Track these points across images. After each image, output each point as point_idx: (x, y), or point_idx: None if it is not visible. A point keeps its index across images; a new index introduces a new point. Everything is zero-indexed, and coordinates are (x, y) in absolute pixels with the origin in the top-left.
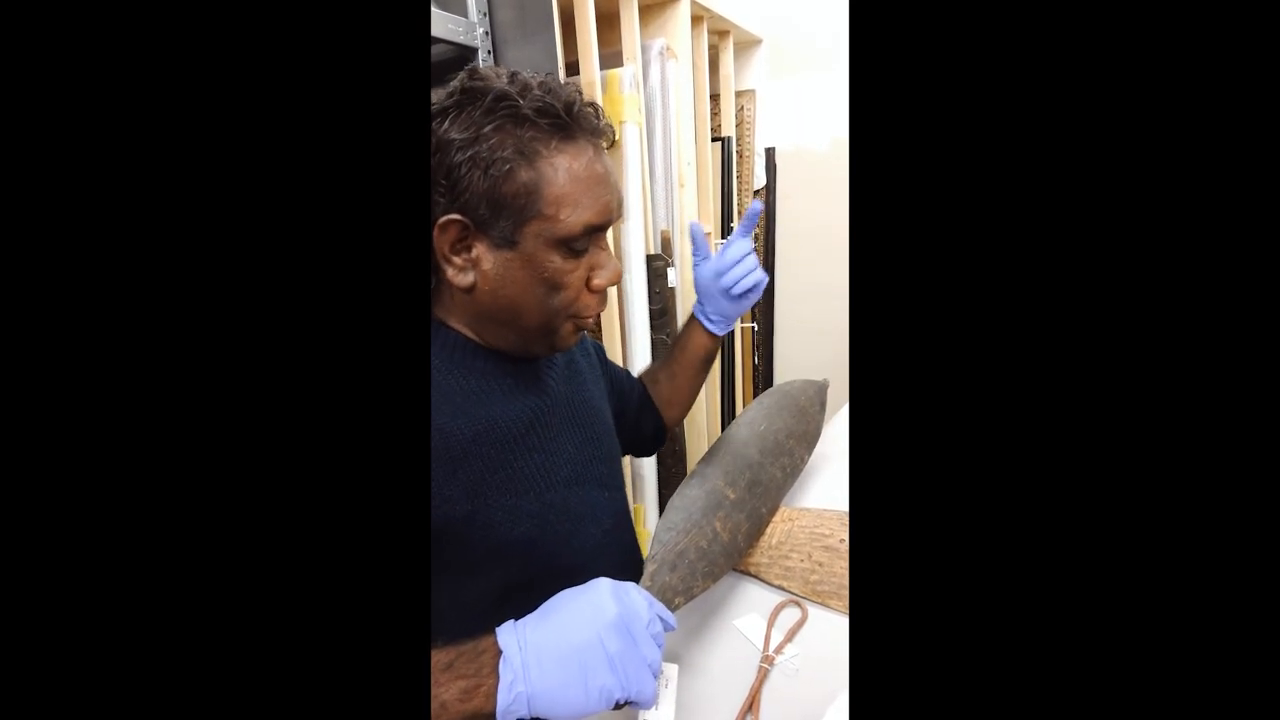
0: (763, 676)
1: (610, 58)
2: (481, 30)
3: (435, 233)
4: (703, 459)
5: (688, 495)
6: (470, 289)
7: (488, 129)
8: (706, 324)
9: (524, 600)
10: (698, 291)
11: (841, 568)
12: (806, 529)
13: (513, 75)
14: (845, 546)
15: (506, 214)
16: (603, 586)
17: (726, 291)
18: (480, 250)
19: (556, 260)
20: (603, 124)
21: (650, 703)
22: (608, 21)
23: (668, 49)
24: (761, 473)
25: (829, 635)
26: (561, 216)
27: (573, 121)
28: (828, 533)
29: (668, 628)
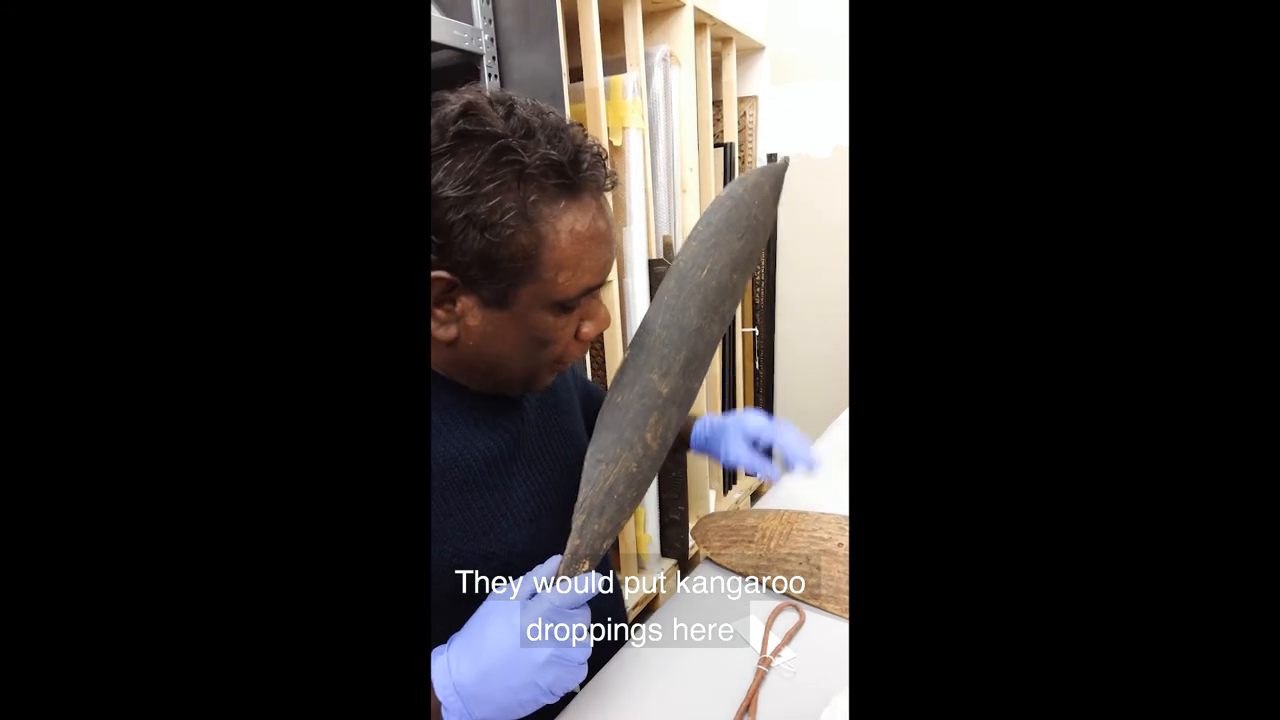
0: (760, 679)
1: (614, 64)
2: (486, 37)
3: None
4: (635, 341)
5: (618, 404)
6: (452, 342)
7: (488, 187)
8: (697, 428)
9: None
10: (720, 424)
11: (839, 572)
12: (805, 533)
13: (510, 109)
14: (842, 551)
15: (501, 276)
16: (511, 621)
17: (748, 438)
18: (467, 305)
19: (549, 320)
20: (607, 174)
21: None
22: (611, 28)
23: (671, 55)
24: (699, 341)
25: (826, 639)
26: (560, 280)
27: (579, 178)
28: (826, 537)
29: (583, 600)
